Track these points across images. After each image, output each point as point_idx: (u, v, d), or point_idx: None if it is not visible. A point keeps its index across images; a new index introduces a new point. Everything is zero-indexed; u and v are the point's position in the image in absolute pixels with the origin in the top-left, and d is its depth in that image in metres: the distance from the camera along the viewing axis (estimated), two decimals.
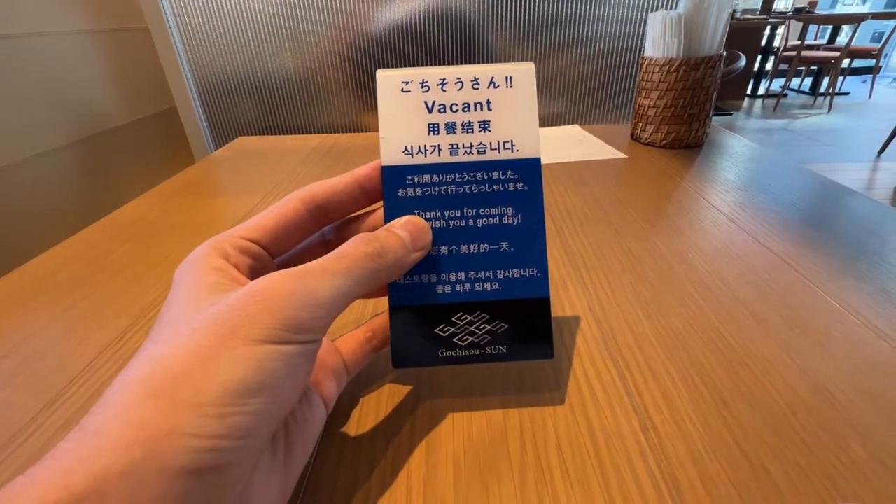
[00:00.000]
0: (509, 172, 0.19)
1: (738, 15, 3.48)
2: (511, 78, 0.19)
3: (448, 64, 0.72)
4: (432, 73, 0.19)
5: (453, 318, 0.19)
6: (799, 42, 3.65)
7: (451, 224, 0.19)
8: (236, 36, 0.70)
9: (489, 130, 0.19)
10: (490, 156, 0.19)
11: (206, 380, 0.11)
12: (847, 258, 0.31)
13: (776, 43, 4.17)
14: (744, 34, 3.58)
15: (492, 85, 0.19)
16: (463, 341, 0.19)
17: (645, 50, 0.54)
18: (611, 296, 0.28)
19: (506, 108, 0.19)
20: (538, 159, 0.19)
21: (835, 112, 3.66)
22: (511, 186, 0.19)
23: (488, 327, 0.19)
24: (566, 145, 0.58)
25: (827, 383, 0.21)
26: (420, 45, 0.70)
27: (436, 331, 0.19)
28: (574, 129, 0.65)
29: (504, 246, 0.19)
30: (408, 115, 0.19)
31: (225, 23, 0.69)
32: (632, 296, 0.28)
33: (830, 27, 4.11)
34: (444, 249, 0.19)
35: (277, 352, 0.13)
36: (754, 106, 4.01)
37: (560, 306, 0.27)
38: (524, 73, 0.19)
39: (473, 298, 0.19)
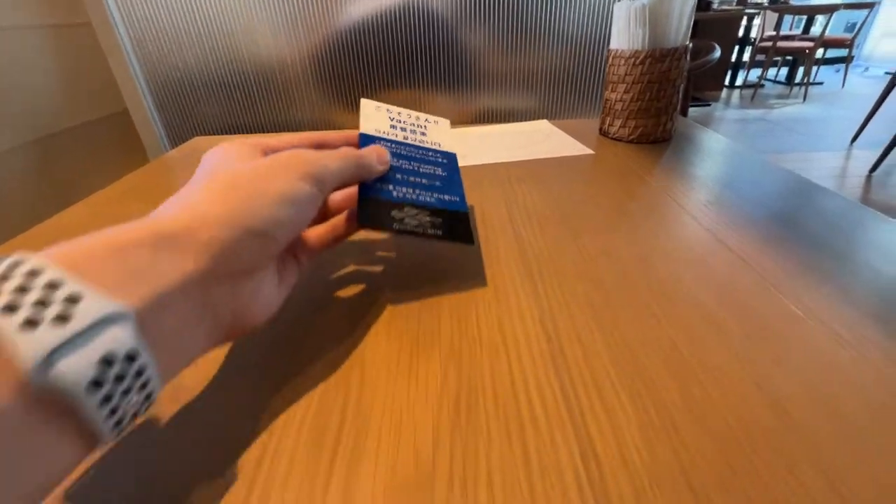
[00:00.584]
0: (438, 156, 0.33)
1: (715, 6, 3.50)
2: (437, 121, 0.36)
3: (414, 56, 0.69)
4: (394, 107, 0.34)
5: (405, 208, 0.27)
6: (775, 32, 3.70)
7: (403, 165, 0.29)
8: (188, 30, 0.66)
9: (426, 136, 0.34)
10: (426, 144, 0.33)
11: (267, 185, 0.19)
12: (810, 258, 0.29)
13: (753, 34, 4.22)
14: (721, 25, 3.61)
15: (426, 121, 0.35)
16: (411, 222, 0.26)
17: (611, 42, 0.53)
18: (564, 306, 0.26)
19: (434, 131, 0.35)
20: (454, 154, 0.34)
21: (810, 101, 3.73)
22: (438, 159, 0.32)
23: (429, 219, 0.27)
24: (531, 141, 0.56)
25: (782, 399, 0.20)
26: (386, 40, 0.68)
27: (391, 213, 0.26)
28: (541, 125, 0.64)
29: (436, 183, 0.30)
30: (378, 118, 0.32)
31: (174, 15, 0.65)
32: (585, 305, 0.26)
33: (805, 17, 4.17)
34: (399, 176, 0.28)
35: (305, 188, 0.20)
36: (732, 96, 4.06)
37: (510, 320, 0.25)
38: (444, 121, 0.37)
39: (418, 201, 0.28)
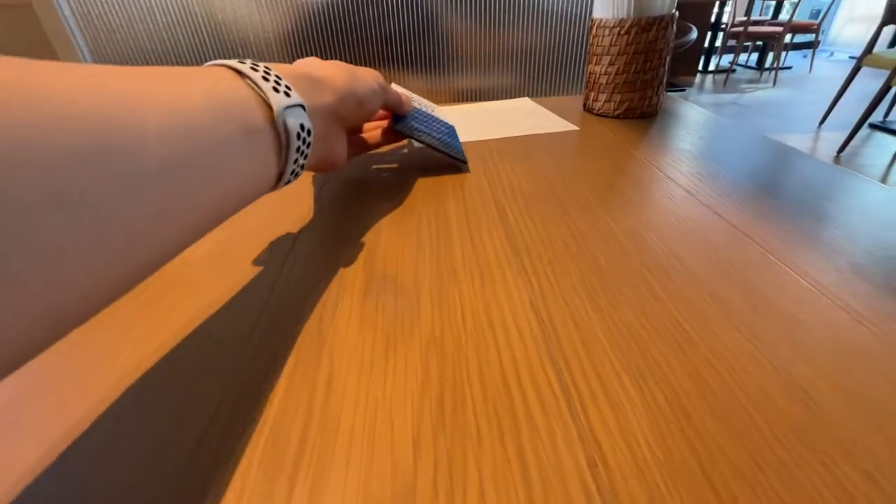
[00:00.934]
0: (442, 124, 0.44)
1: None
2: (435, 108, 0.48)
3: (392, 35, 0.65)
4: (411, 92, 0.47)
5: (423, 133, 0.39)
6: (745, 18, 3.75)
7: (422, 119, 0.41)
8: (143, 19, 0.60)
9: (434, 112, 0.46)
10: (435, 114, 0.46)
11: (364, 76, 0.31)
12: (808, 228, 0.28)
13: (725, 19, 4.27)
14: (694, 10, 3.63)
15: (430, 105, 0.48)
16: (426, 138, 0.38)
17: (594, 10, 0.50)
18: (556, 286, 0.24)
19: (437, 112, 0.47)
20: (453, 126, 0.47)
21: (779, 86, 3.81)
22: (443, 126, 0.44)
23: (438, 139, 0.40)
24: (514, 119, 0.54)
25: (802, 381, 0.18)
26: (362, 18, 0.63)
27: (415, 128, 0.39)
28: (524, 102, 0.61)
29: (444, 137, 0.41)
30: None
31: (127, 3, 0.59)
32: (579, 285, 0.24)
33: (774, 3, 4.24)
34: (420, 123, 0.40)
35: (378, 89, 0.32)
36: (706, 81, 4.11)
37: (497, 304, 0.23)
38: (438, 108, 0.50)
39: (433, 134, 0.40)
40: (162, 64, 0.64)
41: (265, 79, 0.20)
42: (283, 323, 0.22)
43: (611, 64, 0.49)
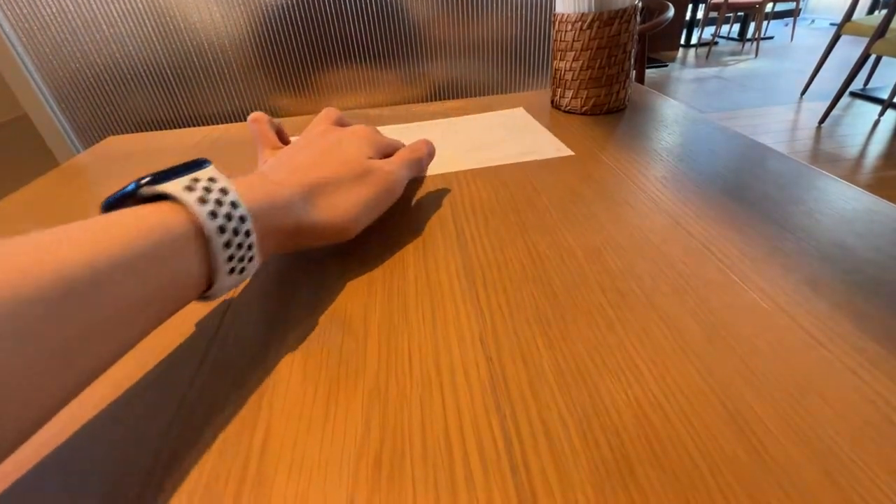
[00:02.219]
0: None
1: None
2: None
3: (353, 32, 0.63)
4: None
5: None
6: None
7: None
8: (79, 13, 0.57)
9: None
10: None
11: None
12: (771, 238, 0.27)
13: None
14: None
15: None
16: None
17: (556, 5, 0.48)
18: (508, 318, 0.23)
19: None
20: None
21: (761, 57, 3.79)
22: None
23: None
24: (499, 138, 0.46)
25: (754, 423, 0.17)
26: (322, 14, 0.61)
27: None
28: (516, 115, 0.52)
29: None
30: None
31: (68, 16, 0.56)
32: (532, 315, 0.23)
33: None
34: None
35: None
36: (689, 56, 4.08)
37: (446, 343, 0.22)
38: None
39: None
40: (115, 77, 0.61)
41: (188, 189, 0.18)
42: (225, 374, 0.21)
43: (575, 59, 0.47)
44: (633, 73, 0.50)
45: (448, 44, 0.65)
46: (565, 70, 0.49)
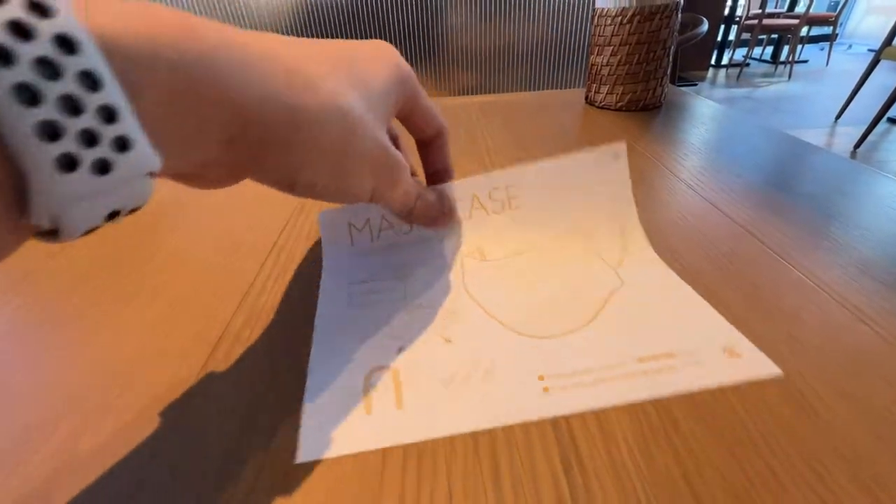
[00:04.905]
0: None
1: None
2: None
3: (395, 33, 0.64)
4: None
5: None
6: (760, 10, 3.67)
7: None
8: None
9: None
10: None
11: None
12: (817, 224, 0.26)
13: (738, 12, 4.19)
14: (707, 3, 3.57)
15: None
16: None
17: (597, 0, 0.48)
18: None
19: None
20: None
21: (795, 79, 3.72)
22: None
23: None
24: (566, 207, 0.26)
25: (801, 386, 0.16)
26: (365, 16, 0.63)
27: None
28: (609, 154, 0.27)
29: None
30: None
31: None
32: None
33: None
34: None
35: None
36: (718, 76, 4.04)
37: None
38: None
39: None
40: None
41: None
42: None
43: (613, 54, 0.47)
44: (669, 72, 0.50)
45: (486, 43, 0.66)
46: (602, 65, 0.49)
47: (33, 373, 0.19)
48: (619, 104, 0.49)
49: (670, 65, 0.49)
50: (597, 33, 0.49)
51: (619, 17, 0.45)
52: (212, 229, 0.29)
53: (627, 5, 0.45)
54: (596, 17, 0.48)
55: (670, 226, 0.27)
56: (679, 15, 0.47)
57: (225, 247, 0.27)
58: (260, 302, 0.22)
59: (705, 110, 0.49)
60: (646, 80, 0.48)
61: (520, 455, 0.15)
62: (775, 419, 0.15)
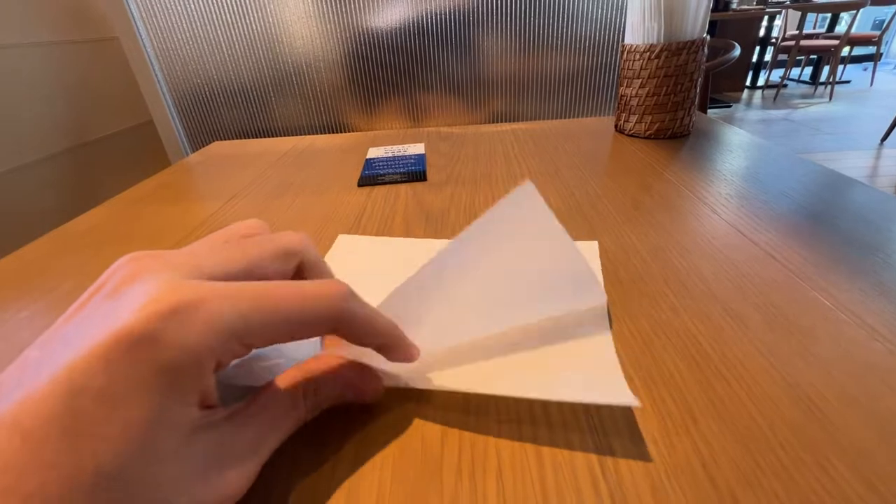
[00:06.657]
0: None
1: (734, 5, 3.44)
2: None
3: (428, 60, 0.69)
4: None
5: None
6: (797, 31, 3.61)
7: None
8: (207, 37, 0.68)
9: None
10: None
11: None
12: (838, 250, 0.28)
13: (774, 33, 4.13)
14: (740, 25, 3.54)
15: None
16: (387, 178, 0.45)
17: (625, 37, 0.52)
18: None
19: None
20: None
21: (836, 101, 3.61)
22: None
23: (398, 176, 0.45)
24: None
25: (811, 393, 0.18)
26: (401, 44, 0.68)
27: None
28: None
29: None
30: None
31: (195, 24, 0.67)
32: None
33: (829, 15, 4.06)
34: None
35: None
36: (754, 97, 3.96)
37: None
38: None
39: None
40: (226, 91, 0.71)
41: None
42: None
43: (641, 87, 0.50)
44: (697, 100, 0.52)
45: (516, 72, 0.71)
46: (630, 96, 0.52)
47: None
48: (648, 132, 0.52)
49: (698, 95, 0.51)
50: (626, 67, 0.52)
51: (647, 53, 0.48)
52: None
53: (655, 41, 0.48)
54: (625, 53, 0.51)
55: (693, 247, 0.29)
56: (706, 49, 0.50)
57: None
58: None
59: (733, 138, 0.51)
60: (673, 110, 0.50)
61: (559, 441, 0.17)
62: (786, 421, 0.17)
